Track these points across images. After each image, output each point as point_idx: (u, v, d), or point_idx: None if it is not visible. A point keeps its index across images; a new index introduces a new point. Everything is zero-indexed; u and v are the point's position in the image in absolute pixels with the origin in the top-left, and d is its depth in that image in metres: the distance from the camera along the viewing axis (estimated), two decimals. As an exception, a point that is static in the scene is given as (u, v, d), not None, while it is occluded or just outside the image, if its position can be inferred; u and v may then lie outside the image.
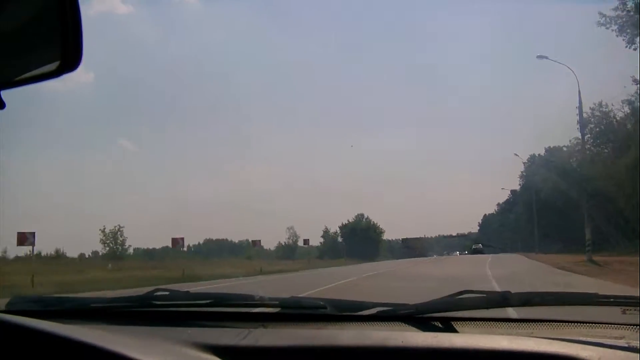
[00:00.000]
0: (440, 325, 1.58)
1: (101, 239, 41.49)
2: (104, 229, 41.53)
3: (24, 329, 1.23)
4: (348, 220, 74.79)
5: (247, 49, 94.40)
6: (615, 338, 1.42)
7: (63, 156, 65.95)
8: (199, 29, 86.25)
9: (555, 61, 29.52)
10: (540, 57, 29.21)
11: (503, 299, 1.70)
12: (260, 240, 36.53)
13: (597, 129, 37.37)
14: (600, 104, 37.13)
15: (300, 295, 2.04)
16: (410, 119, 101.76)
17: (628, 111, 33.94)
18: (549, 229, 46.66)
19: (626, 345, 1.34)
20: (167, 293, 2.00)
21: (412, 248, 72.29)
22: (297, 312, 1.80)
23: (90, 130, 73.60)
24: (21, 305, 1.89)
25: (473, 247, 67.93)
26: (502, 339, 1.36)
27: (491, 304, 1.70)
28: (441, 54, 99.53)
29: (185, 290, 2.22)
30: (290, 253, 62.39)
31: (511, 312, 2.06)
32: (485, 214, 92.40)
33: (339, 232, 74.22)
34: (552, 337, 1.39)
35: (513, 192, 71.77)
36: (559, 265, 20.02)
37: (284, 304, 1.80)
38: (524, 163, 58.88)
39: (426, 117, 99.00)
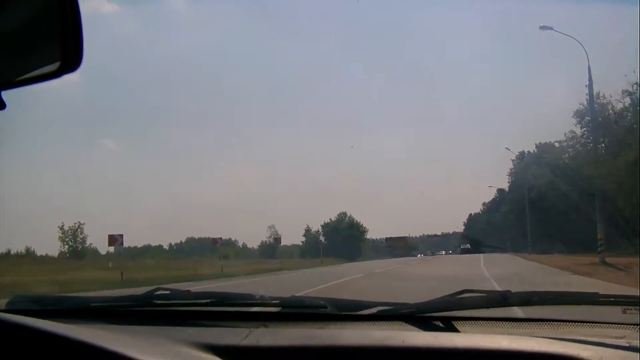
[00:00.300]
0: (441, 324, 1.58)
1: (60, 237, 38.93)
2: (62, 225, 39.15)
3: (24, 328, 1.23)
4: (330, 219, 73.31)
5: (235, 49, 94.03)
6: (616, 338, 1.42)
7: (43, 154, 64.49)
8: (188, 29, 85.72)
9: (560, 32, 26.25)
10: (543, 27, 26.42)
11: (503, 299, 1.70)
12: (221, 238, 34.13)
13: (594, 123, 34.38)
14: (597, 95, 33.82)
15: None
16: (393, 118, 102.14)
17: (628, 103, 30.84)
18: (543, 228, 44.57)
19: (627, 344, 1.34)
20: (167, 292, 1.99)
21: (396, 247, 69.98)
22: (297, 311, 1.79)
23: (73, 129, 73.01)
24: (21, 305, 1.89)
25: (461, 246, 67.06)
26: (503, 339, 1.37)
27: (491, 304, 1.70)
28: (430, 51, 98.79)
29: (186, 289, 2.22)
30: (272, 252, 60.85)
31: (512, 311, 2.06)
32: (470, 213, 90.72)
33: (320, 231, 72.28)
34: (553, 336, 1.40)
35: (500, 191, 70.30)
36: (568, 268, 17.45)
37: (284, 303, 1.80)
38: (512, 160, 57.27)
39: (412, 115, 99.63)
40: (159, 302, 1.92)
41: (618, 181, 26.59)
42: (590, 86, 25.29)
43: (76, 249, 39.23)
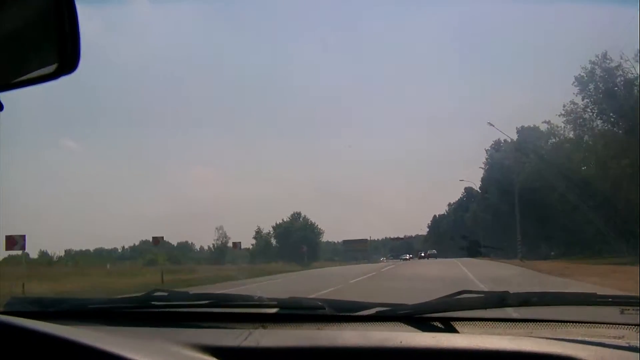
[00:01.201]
0: (439, 325, 1.59)
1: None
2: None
3: (21, 330, 1.23)
4: (283, 220, 67.38)
5: (196, 51, 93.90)
6: (615, 338, 1.43)
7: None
8: (152, 29, 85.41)
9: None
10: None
11: (501, 299, 1.70)
12: (162, 237, 27.99)
13: (599, 93, 25.94)
14: (605, 56, 26.20)
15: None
16: (355, 118, 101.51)
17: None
18: (531, 229, 36.59)
19: (626, 345, 1.34)
20: (165, 294, 1.99)
21: (356, 251, 64.17)
22: (295, 312, 1.79)
23: (29, 129, 71.56)
24: (19, 306, 1.88)
25: (428, 252, 63.34)
26: (502, 339, 1.37)
27: (489, 304, 1.70)
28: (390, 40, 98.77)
29: (184, 290, 2.21)
30: (221, 256, 55.82)
31: (510, 312, 2.06)
32: (435, 215, 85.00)
33: (272, 232, 66.60)
34: (552, 337, 1.40)
35: (468, 190, 65.34)
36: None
37: (282, 304, 1.80)
38: (486, 150, 49.45)
39: (375, 116, 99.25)
40: (157, 303, 1.91)
41: (616, 183, 22.62)
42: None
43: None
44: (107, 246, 69.31)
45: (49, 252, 49.71)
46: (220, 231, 63.04)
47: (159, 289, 2.10)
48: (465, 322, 1.60)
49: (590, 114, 27.12)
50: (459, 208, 73.26)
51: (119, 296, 2.90)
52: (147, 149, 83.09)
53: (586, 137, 28.20)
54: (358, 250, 65.43)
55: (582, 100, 27.28)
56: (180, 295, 2.00)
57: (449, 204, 78.72)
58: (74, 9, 1.00)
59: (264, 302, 1.82)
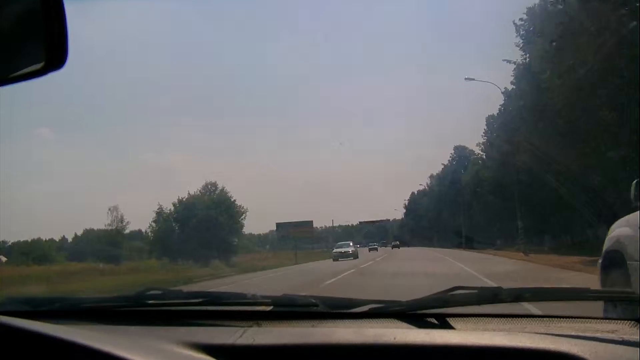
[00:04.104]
0: (433, 321, 1.59)
1: None
2: None
3: (13, 329, 1.22)
4: (189, 193, 45.52)
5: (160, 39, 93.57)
6: (608, 332, 1.43)
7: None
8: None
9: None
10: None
11: (494, 295, 1.70)
12: None
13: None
14: None
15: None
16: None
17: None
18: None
19: (619, 339, 1.35)
20: (159, 292, 1.99)
21: (296, 237, 44.43)
22: (289, 310, 1.79)
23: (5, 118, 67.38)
24: (11, 306, 1.87)
25: (392, 242, 57.39)
26: (495, 335, 1.37)
27: (483, 300, 1.70)
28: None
29: (178, 288, 2.21)
30: (115, 244, 41.85)
31: (503, 307, 2.07)
32: (413, 192, 69.48)
33: (173, 211, 44.53)
34: (545, 332, 1.40)
35: (459, 150, 53.90)
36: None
37: (276, 302, 1.80)
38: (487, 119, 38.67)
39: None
40: (151, 302, 1.91)
41: (606, 173, 20.44)
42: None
43: None
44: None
45: None
46: (114, 213, 46.55)
47: (153, 287, 2.09)
48: (459, 318, 1.61)
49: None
50: (444, 179, 57.32)
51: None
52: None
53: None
54: (302, 237, 46.40)
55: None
56: (174, 294, 1.99)
57: (431, 176, 62.82)
58: (61, 5, 0.99)
59: (258, 300, 1.81)
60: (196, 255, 34.16)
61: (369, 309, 1.69)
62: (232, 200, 45.49)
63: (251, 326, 1.58)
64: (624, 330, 1.47)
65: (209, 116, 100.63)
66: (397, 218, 76.62)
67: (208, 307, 1.82)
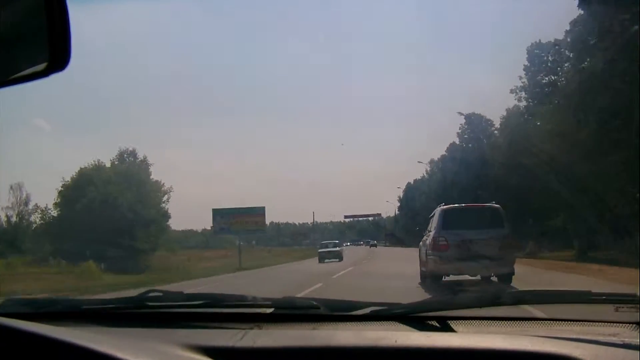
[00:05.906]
0: (434, 324, 1.58)
1: None
2: None
3: (14, 331, 1.22)
4: (81, 167, 32.12)
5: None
6: (609, 335, 1.43)
7: None
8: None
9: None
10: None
11: (496, 298, 1.70)
12: None
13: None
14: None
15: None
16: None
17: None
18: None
19: (620, 342, 1.35)
20: (160, 294, 1.98)
21: (234, 231, 33.01)
22: (290, 312, 1.79)
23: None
24: (12, 308, 1.87)
25: (370, 242, 55.65)
26: (497, 338, 1.37)
27: (484, 303, 1.70)
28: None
29: (179, 290, 2.20)
30: (13, 237, 31.22)
31: (505, 310, 2.06)
32: (409, 182, 58.95)
33: (57, 198, 31.35)
34: (547, 335, 1.40)
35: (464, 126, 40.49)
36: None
37: (277, 304, 1.79)
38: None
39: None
40: (151, 304, 1.90)
41: (609, 176, 19.26)
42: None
43: None
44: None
45: None
46: (17, 191, 35.69)
47: (153, 289, 2.09)
48: (460, 321, 1.60)
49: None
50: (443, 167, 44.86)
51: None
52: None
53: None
54: (248, 230, 34.33)
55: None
56: (175, 296, 1.99)
57: (431, 161, 50.00)
58: (64, 6, 0.99)
59: (259, 302, 1.81)
60: (70, 253, 22.90)
61: (370, 311, 1.69)
62: (149, 174, 31.79)
63: (252, 328, 1.57)
64: (626, 333, 1.47)
65: (205, 114, 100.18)
66: (390, 215, 70.27)
67: (208, 309, 1.82)
